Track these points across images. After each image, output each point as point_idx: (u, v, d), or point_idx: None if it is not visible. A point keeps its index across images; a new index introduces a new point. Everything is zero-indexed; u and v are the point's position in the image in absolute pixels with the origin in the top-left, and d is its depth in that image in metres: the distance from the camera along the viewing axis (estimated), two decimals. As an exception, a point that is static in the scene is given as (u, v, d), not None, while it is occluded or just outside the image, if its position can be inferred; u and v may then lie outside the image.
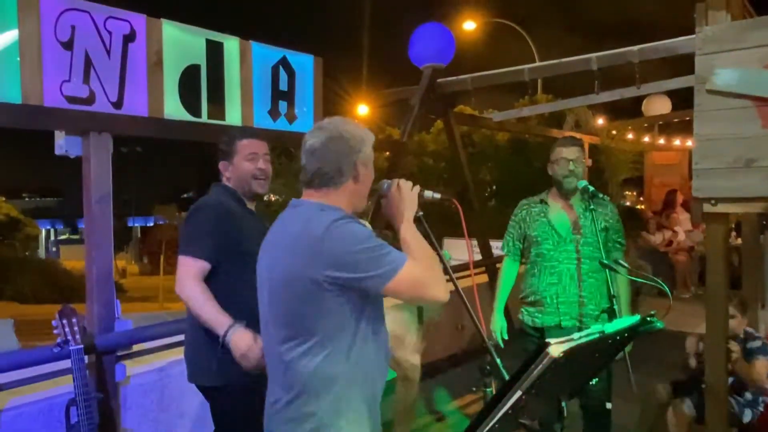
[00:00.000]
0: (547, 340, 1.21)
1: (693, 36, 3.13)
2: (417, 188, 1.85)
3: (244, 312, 2.22)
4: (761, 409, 3.29)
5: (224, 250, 2.32)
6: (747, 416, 3.29)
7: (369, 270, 1.57)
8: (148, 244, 29.84)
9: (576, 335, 1.27)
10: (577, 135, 7.92)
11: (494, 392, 1.74)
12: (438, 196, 1.90)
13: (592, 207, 2.89)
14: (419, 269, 1.61)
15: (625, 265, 2.52)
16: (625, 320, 1.41)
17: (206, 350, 2.30)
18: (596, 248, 2.92)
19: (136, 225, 45.16)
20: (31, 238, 28.69)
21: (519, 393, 1.21)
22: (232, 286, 2.31)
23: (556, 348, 1.18)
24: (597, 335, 1.30)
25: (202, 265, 2.30)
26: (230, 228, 2.35)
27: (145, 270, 35.10)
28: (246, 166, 2.46)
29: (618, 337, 1.41)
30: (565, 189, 3.04)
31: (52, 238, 50.09)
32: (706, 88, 2.95)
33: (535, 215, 3.13)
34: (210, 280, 2.32)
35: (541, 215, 3.11)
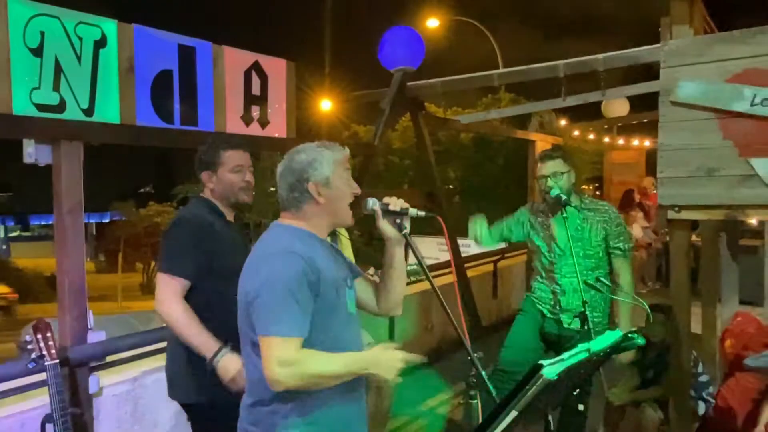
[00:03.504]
0: (539, 362, 1.27)
1: (656, 45, 3.25)
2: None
3: (222, 329, 2.21)
4: (712, 400, 3.45)
5: (203, 266, 2.30)
6: (701, 409, 3.44)
7: (258, 318, 1.65)
8: (105, 242, 29.02)
9: (565, 355, 1.33)
10: (541, 136, 8.10)
11: (479, 403, 1.79)
12: (423, 213, 1.93)
13: (565, 215, 2.94)
14: (284, 352, 1.60)
15: (608, 283, 2.61)
16: (609, 337, 1.48)
17: (190, 367, 2.28)
18: (598, 259, 3.00)
19: (91, 221, 43.86)
20: (-22, 235, 27.56)
21: (514, 413, 1.26)
22: (210, 302, 2.30)
23: (550, 370, 1.23)
24: (585, 354, 1.36)
25: (182, 283, 2.28)
26: (209, 244, 2.33)
27: (102, 268, 34.21)
28: (232, 178, 2.44)
29: (602, 354, 1.48)
30: (552, 206, 3.09)
31: (2, 235, 48.25)
32: (670, 99, 3.07)
33: (539, 225, 3.19)
34: (188, 296, 2.30)
35: (544, 227, 3.17)
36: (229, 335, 2.10)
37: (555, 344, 3.15)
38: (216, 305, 2.26)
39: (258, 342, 1.66)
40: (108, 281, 27.41)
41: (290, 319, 1.61)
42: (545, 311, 3.17)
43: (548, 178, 3.03)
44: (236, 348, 2.08)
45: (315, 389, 1.68)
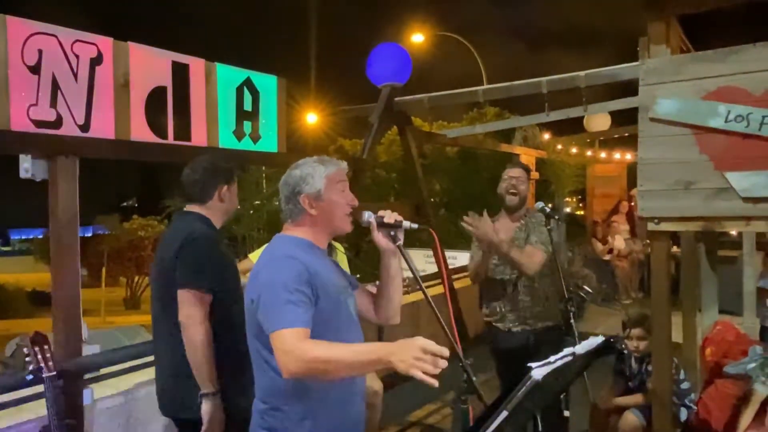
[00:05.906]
0: (528, 365, 1.35)
1: (635, 63, 3.38)
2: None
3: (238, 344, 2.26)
4: (694, 407, 3.55)
5: (224, 280, 2.42)
6: (683, 415, 3.53)
7: (264, 318, 1.72)
8: (88, 256, 28.67)
9: (552, 358, 1.42)
10: (525, 150, 8.25)
11: (470, 409, 1.87)
12: (416, 226, 2.01)
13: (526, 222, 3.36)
14: (289, 341, 1.63)
15: (590, 291, 2.74)
16: (593, 342, 1.57)
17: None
18: None
19: (74, 235, 43.14)
20: (-42, 251, 27.04)
21: (505, 413, 1.34)
22: (226, 316, 2.38)
23: (538, 371, 1.32)
24: (570, 357, 1.45)
25: (209, 300, 2.35)
26: (225, 259, 2.47)
27: (85, 282, 33.70)
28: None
29: (587, 357, 1.57)
30: (507, 205, 3.46)
31: (-19, 250, 47.43)
32: (649, 116, 3.20)
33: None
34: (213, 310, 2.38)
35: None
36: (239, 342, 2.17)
37: (527, 356, 3.34)
38: (230, 317, 2.36)
39: (267, 346, 1.73)
40: (91, 295, 26.97)
41: (292, 313, 1.66)
42: (501, 323, 3.38)
43: (514, 179, 3.44)
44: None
45: (326, 379, 1.67)
